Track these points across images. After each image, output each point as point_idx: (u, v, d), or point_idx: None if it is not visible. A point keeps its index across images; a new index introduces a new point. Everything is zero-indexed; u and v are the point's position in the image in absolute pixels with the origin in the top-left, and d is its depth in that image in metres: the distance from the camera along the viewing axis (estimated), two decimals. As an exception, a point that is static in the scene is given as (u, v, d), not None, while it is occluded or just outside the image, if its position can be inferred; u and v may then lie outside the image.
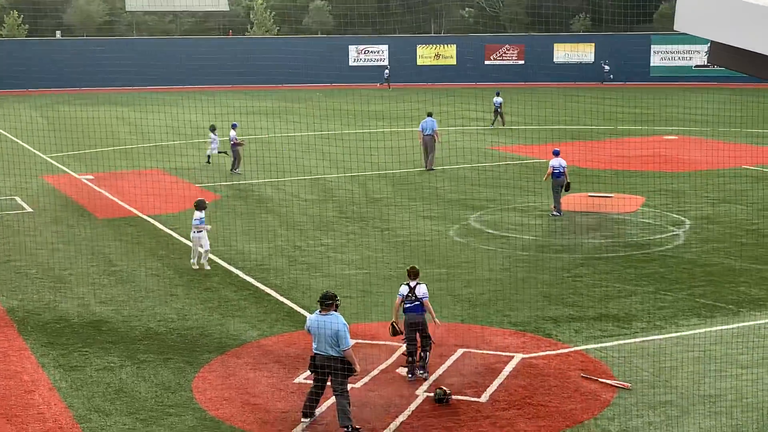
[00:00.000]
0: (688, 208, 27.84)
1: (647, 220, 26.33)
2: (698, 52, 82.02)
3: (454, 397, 13.82)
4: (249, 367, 15.31)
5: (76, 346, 16.44)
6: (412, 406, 13.63)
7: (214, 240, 22.68)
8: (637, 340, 16.37)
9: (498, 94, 51.93)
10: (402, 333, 14.80)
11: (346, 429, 12.68)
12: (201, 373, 15.09)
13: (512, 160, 38.76)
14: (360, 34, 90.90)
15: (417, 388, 14.29)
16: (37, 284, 20.49)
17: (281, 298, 19.13)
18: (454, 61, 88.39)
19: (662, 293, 19.11)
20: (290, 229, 25.72)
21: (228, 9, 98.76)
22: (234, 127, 35.68)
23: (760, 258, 22.03)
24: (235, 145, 35.25)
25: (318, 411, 13.34)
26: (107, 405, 13.87)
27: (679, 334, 16.66)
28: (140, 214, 27.75)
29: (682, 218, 26.42)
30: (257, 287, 20.02)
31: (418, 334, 14.78)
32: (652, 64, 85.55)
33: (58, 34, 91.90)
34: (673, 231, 24.94)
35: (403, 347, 15.21)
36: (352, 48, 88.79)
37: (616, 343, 16.23)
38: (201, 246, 21.44)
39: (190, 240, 22.02)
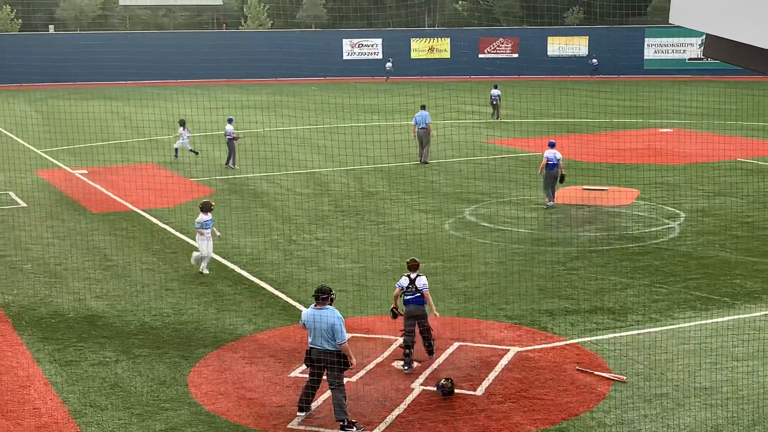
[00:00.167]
0: (683, 200, 27.88)
1: (642, 213, 26.35)
2: (692, 44, 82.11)
3: (449, 390, 13.84)
4: (244, 361, 15.30)
5: (71, 341, 16.43)
6: (408, 400, 13.64)
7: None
8: (632, 332, 16.39)
9: (496, 87, 51.92)
10: (402, 315, 14.85)
11: (341, 423, 12.69)
12: (196, 367, 15.08)
13: (507, 154, 38.76)
14: (354, 28, 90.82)
15: (413, 382, 14.30)
16: (31, 279, 20.46)
17: (276, 293, 19.12)
18: (448, 55, 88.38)
19: (657, 286, 19.13)
20: (285, 223, 25.70)
21: (221, 3, 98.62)
22: (230, 121, 35.63)
23: (755, 250, 22.07)
24: (232, 140, 35.19)
25: (314, 405, 13.35)
26: (102, 400, 13.86)
27: (674, 326, 16.68)
28: (135, 209, 27.71)
29: (677, 211, 26.45)
30: (252, 281, 20.01)
31: (417, 327, 14.84)
32: (645, 57, 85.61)
33: (51, 28, 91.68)
34: (667, 224, 24.97)
35: (400, 340, 15.23)
36: (346, 42, 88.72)
37: (611, 335, 16.25)
38: (203, 250, 20.43)
39: (195, 243, 21.10)
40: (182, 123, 37.53)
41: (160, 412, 13.38)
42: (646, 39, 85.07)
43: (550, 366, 14.87)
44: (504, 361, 15.05)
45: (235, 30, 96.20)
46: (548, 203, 27.03)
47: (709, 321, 16.96)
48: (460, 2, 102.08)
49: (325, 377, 12.95)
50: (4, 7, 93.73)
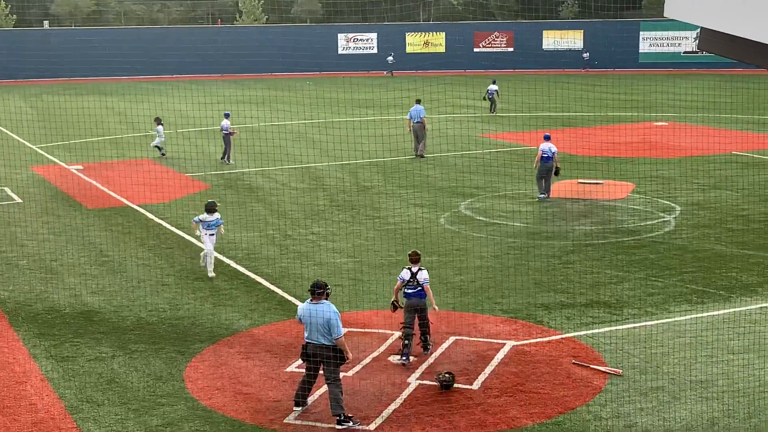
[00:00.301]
0: (678, 194, 27.91)
1: (637, 207, 26.38)
2: (687, 38, 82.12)
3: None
4: (241, 356, 15.31)
5: (67, 336, 16.42)
6: (404, 394, 13.64)
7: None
8: (628, 326, 16.42)
9: (494, 82, 51.90)
10: (402, 308, 14.85)
11: (338, 417, 12.70)
12: (193, 362, 15.08)
13: (502, 148, 38.77)
14: (349, 23, 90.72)
15: (409, 376, 14.31)
16: (27, 275, 20.43)
17: (272, 287, 19.12)
18: (443, 49, 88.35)
19: (653, 279, 19.16)
20: (281, 218, 25.69)
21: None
22: (227, 116, 35.58)
23: (750, 243, 22.11)
24: (228, 135, 35.13)
25: (310, 399, 13.35)
26: (99, 395, 13.85)
27: (669, 320, 16.71)
28: (130, 204, 27.69)
29: (672, 204, 26.48)
30: (248, 276, 20.00)
31: (416, 320, 14.85)
32: (640, 51, 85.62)
33: (46, 24, 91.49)
34: (663, 217, 25.00)
35: (397, 334, 15.23)
36: (341, 36, 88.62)
37: (607, 329, 16.28)
38: (207, 247, 20.12)
39: (190, 238, 20.90)
40: (158, 121, 37.00)
41: (156, 408, 13.38)
42: (641, 32, 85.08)
43: (546, 360, 14.89)
44: (500, 355, 15.07)
45: (230, 25, 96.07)
46: (540, 196, 27.05)
47: (704, 314, 16.98)
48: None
49: (321, 372, 12.96)
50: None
